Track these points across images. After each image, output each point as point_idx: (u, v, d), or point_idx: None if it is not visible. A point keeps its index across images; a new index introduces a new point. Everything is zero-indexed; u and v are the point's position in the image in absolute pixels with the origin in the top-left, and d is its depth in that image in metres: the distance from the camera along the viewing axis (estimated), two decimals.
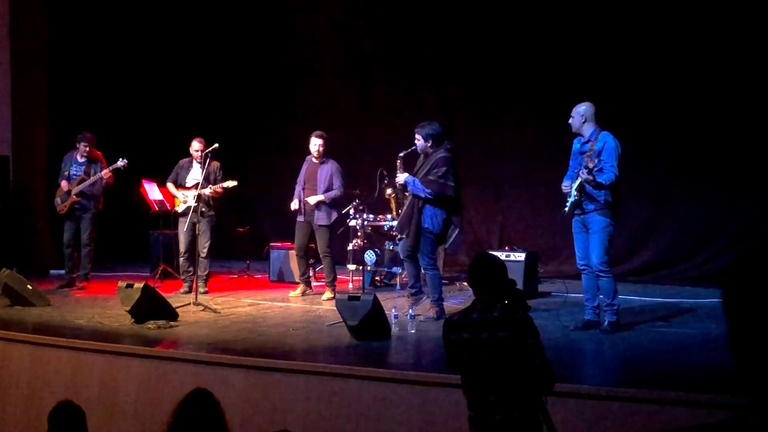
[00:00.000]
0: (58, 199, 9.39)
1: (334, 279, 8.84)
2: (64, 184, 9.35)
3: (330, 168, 8.76)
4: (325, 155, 8.79)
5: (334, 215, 8.78)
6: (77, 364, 6.51)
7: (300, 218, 8.83)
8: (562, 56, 10.00)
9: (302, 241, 8.85)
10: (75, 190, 9.26)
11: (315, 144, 8.74)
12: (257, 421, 5.62)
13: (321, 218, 8.70)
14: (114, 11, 12.22)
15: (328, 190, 8.69)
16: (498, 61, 10.45)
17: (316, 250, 8.89)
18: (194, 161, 9.05)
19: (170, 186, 9.16)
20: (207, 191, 8.70)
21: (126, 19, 12.30)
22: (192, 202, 8.65)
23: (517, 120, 10.46)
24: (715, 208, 9.33)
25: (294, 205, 8.81)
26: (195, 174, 8.96)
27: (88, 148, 9.31)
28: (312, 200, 8.69)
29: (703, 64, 9.21)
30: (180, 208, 9.03)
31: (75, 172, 9.35)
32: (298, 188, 8.85)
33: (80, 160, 9.35)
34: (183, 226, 8.90)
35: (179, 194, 9.05)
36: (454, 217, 7.56)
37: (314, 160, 8.81)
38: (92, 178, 9.26)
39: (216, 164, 8.94)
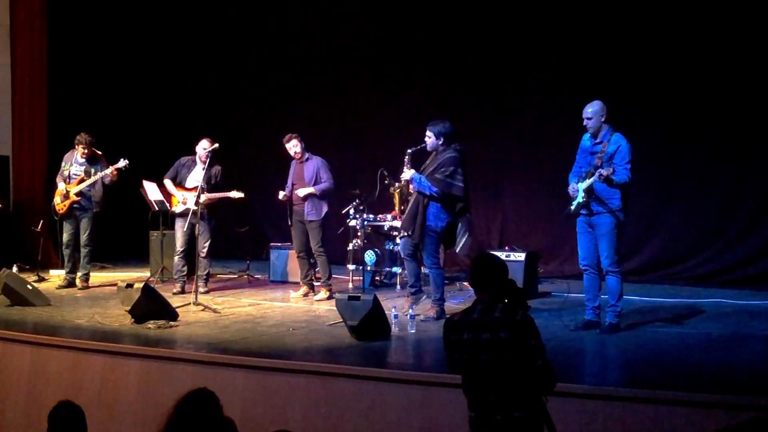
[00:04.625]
0: (57, 199, 9.36)
1: (330, 278, 8.77)
2: (61, 184, 9.32)
3: (315, 163, 8.70)
4: (307, 153, 8.73)
5: (325, 209, 8.65)
6: (77, 364, 6.51)
7: (290, 220, 8.80)
8: (564, 55, 10.01)
9: (300, 241, 8.79)
10: (74, 190, 9.23)
11: (290, 149, 8.70)
12: (257, 421, 5.61)
13: (310, 213, 8.61)
14: (113, 12, 12.23)
15: (316, 184, 8.65)
16: (498, 61, 10.45)
17: None
18: (198, 161, 8.98)
19: (168, 183, 9.08)
20: (203, 198, 8.57)
21: (125, 20, 12.32)
22: (192, 205, 8.61)
23: (517, 119, 10.47)
24: (716, 208, 9.34)
25: (281, 194, 8.73)
26: (197, 175, 8.87)
27: (86, 150, 9.26)
28: (302, 192, 8.61)
29: (702, 65, 9.22)
30: (178, 209, 8.99)
31: (75, 173, 9.31)
32: (287, 189, 8.82)
33: (80, 159, 9.32)
34: (180, 225, 8.90)
35: (178, 194, 9.01)
36: (462, 218, 7.54)
37: (297, 162, 8.79)
38: (92, 179, 9.22)
39: (217, 168, 8.90)
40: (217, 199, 8.84)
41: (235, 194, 8.78)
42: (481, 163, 10.24)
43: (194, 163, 9.03)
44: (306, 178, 8.67)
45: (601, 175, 6.50)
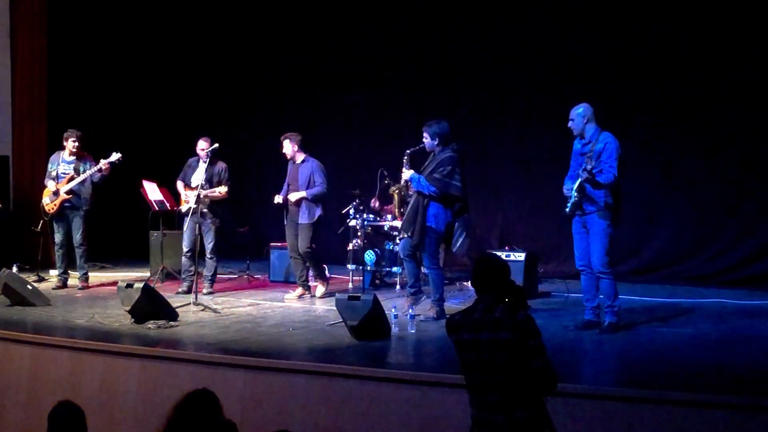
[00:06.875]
0: (46, 199, 9.22)
1: (322, 273, 8.79)
2: (51, 184, 9.24)
3: (310, 166, 8.66)
4: (302, 155, 8.69)
5: (317, 213, 8.61)
6: (77, 364, 6.51)
7: (286, 219, 8.80)
8: (560, 58, 10.01)
9: (293, 242, 8.78)
10: (65, 188, 9.13)
11: (283, 147, 8.71)
12: (257, 421, 5.61)
13: (303, 217, 8.59)
14: (114, 11, 12.23)
15: (309, 188, 8.62)
16: (497, 62, 10.46)
17: None
18: (200, 161, 8.99)
19: (179, 185, 9.09)
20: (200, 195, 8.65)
21: (126, 19, 12.31)
22: (193, 203, 8.62)
23: (516, 120, 10.47)
24: (715, 208, 9.34)
25: (277, 198, 8.74)
26: (199, 174, 8.90)
27: (77, 143, 9.20)
28: (293, 197, 8.60)
29: (701, 66, 9.22)
30: (183, 209, 9.01)
31: (63, 171, 9.19)
32: (283, 189, 8.82)
33: (68, 158, 9.22)
34: (186, 226, 8.91)
35: (183, 194, 9.03)
36: (460, 219, 7.53)
37: (292, 163, 8.76)
38: (82, 176, 9.11)
39: (222, 165, 8.85)
40: (214, 197, 8.75)
41: (222, 189, 8.68)
42: (480, 163, 10.26)
43: (198, 162, 9.04)
44: (300, 181, 8.64)
45: (585, 170, 6.51)
